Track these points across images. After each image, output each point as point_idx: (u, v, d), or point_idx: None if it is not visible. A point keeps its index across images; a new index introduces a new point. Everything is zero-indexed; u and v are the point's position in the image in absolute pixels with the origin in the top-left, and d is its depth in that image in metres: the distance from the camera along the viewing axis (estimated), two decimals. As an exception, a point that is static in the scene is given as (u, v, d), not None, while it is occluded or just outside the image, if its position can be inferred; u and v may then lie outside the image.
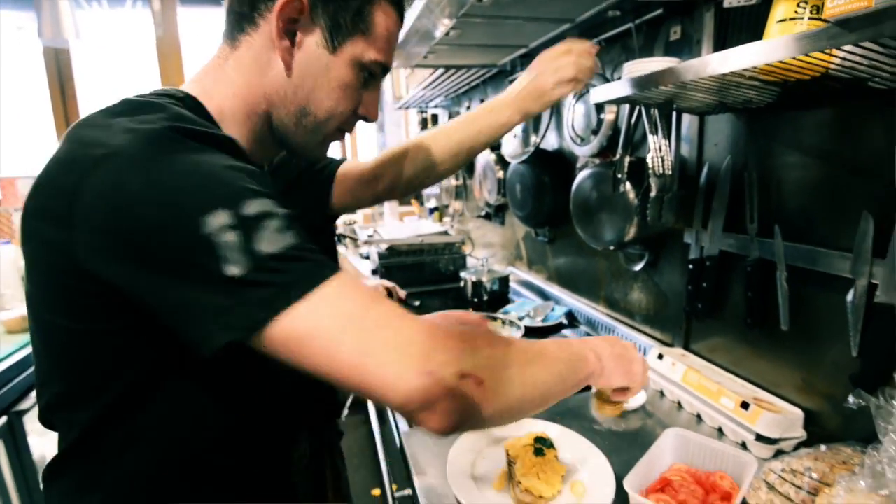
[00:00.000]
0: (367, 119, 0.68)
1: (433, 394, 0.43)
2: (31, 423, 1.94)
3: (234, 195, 0.44)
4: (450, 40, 1.46)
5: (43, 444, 1.89)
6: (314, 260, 0.45)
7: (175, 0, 3.07)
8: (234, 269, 0.41)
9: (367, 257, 2.62)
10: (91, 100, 3.09)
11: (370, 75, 0.64)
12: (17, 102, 3.09)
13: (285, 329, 0.42)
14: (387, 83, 2.95)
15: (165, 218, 0.42)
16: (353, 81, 0.62)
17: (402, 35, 1.49)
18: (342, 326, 0.43)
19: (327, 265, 0.45)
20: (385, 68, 0.65)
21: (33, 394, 1.57)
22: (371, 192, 1.00)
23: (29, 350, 1.57)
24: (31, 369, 1.56)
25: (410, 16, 1.37)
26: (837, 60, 0.57)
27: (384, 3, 0.61)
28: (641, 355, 0.72)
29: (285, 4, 0.55)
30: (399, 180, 0.99)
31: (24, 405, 1.52)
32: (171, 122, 0.47)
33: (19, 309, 1.75)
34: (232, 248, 0.41)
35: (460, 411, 0.45)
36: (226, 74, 0.60)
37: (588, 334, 1.51)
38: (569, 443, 0.89)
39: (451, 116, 2.81)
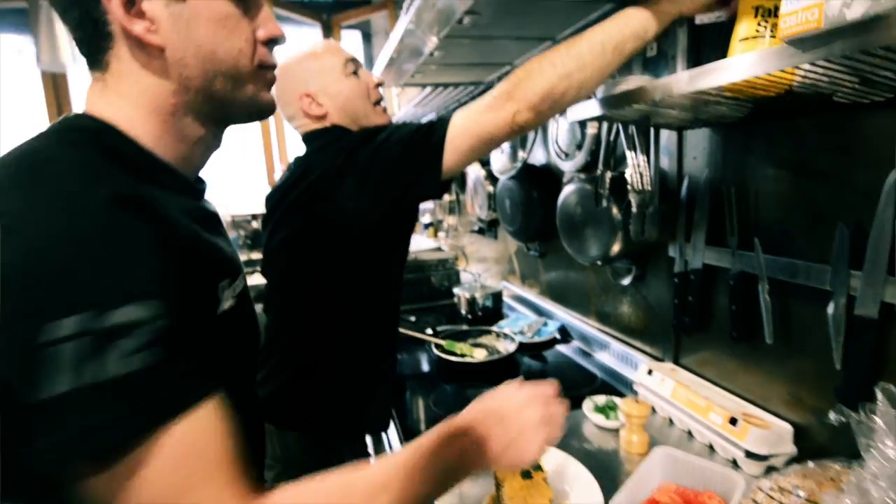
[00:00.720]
0: (277, 41, 0.58)
1: None
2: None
3: (98, 297, 0.38)
4: (436, 60, 1.48)
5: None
6: (145, 395, 0.38)
7: None
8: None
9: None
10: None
11: None
12: (17, 125, 3.13)
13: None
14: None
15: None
16: (227, 9, 0.52)
17: (390, 53, 1.53)
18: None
19: (165, 403, 0.39)
20: None
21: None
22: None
23: None
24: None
25: (396, 35, 1.39)
26: (799, 78, 0.58)
27: None
28: (540, 403, 0.63)
29: None
30: (531, 103, 0.82)
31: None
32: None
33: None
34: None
35: None
36: (122, 96, 0.52)
37: (582, 350, 1.50)
38: (557, 464, 0.88)
39: (443, 132, 2.83)
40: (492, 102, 0.84)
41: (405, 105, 2.57)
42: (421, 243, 2.66)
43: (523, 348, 1.51)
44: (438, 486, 0.56)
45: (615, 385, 1.30)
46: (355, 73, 1.12)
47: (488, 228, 2.28)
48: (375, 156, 0.93)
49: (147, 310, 0.40)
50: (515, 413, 0.61)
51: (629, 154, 1.00)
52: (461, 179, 2.47)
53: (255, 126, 3.24)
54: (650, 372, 1.09)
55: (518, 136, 1.05)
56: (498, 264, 2.28)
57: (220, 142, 0.62)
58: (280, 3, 3.29)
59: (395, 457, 0.55)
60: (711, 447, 0.93)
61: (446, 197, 2.79)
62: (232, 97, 0.55)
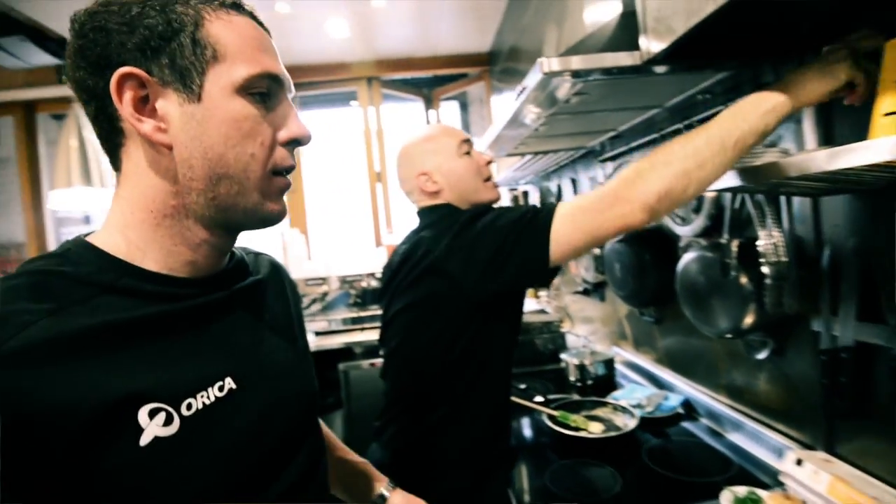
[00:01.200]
0: (300, 141, 0.57)
1: None
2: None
3: None
4: (539, 133, 1.53)
5: None
6: None
7: (380, 98, 3.54)
8: None
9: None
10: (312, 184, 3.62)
11: (261, 95, 0.53)
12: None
13: None
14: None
15: None
16: (242, 111, 0.52)
17: (494, 133, 1.61)
18: None
19: None
20: (272, 77, 0.54)
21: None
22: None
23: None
24: None
25: (501, 119, 1.47)
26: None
27: (218, 16, 0.52)
28: None
29: (120, 84, 0.49)
30: (647, 204, 0.81)
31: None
32: None
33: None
34: None
35: None
36: (122, 199, 0.53)
37: (711, 429, 1.38)
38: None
39: (541, 193, 2.86)
40: (597, 202, 0.86)
41: (504, 170, 2.65)
42: (525, 305, 2.64)
43: (643, 424, 1.42)
44: None
45: (753, 472, 1.17)
46: (468, 153, 1.22)
47: (594, 289, 2.23)
48: (480, 237, 0.98)
49: None
50: None
51: (758, 223, 0.94)
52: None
53: (364, 187, 3.50)
54: (799, 462, 0.97)
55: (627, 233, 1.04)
56: (606, 326, 2.19)
57: (233, 242, 0.59)
58: (386, 84, 3.62)
59: None
60: (886, 559, 0.80)
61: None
62: (234, 203, 0.53)
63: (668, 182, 0.79)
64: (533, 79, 1.01)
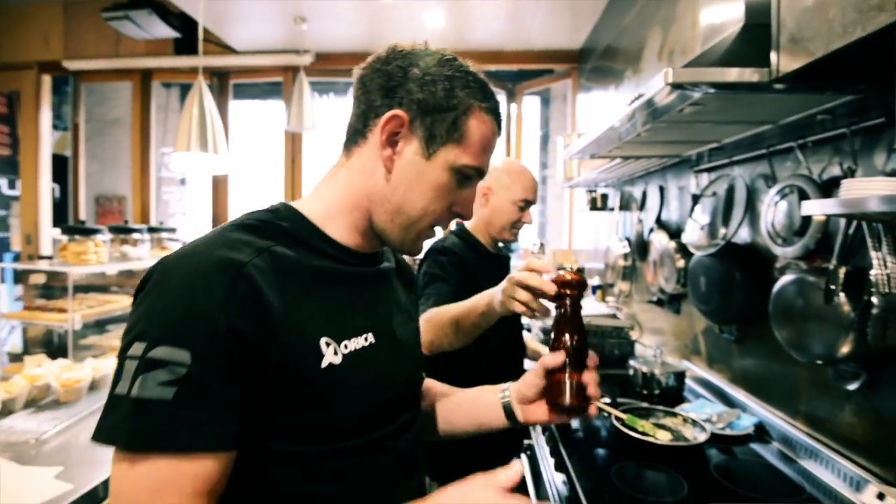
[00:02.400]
0: (461, 216, 0.73)
1: None
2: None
3: (159, 334, 0.51)
4: (637, 140, 1.54)
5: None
6: (148, 420, 0.49)
7: None
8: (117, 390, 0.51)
9: (529, 329, 2.69)
10: (312, 171, 3.80)
11: (464, 177, 0.69)
12: (261, 171, 3.94)
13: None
14: (558, 164, 3.09)
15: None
16: (447, 183, 0.67)
17: (592, 136, 1.63)
18: (115, 493, 0.50)
19: (162, 434, 0.49)
20: (480, 171, 0.70)
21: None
22: None
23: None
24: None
25: (602, 123, 1.49)
26: None
27: (480, 114, 0.67)
28: None
29: (388, 120, 0.64)
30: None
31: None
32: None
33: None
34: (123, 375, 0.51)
35: None
36: (337, 179, 0.70)
37: (783, 454, 1.36)
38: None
39: (622, 197, 2.83)
40: None
41: (586, 171, 2.64)
42: (592, 306, 2.65)
43: (711, 439, 1.42)
44: None
45: (825, 501, 1.15)
46: (522, 209, 1.54)
47: (669, 301, 2.20)
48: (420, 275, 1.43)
49: (173, 356, 0.50)
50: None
51: (874, 253, 0.93)
52: (641, 247, 2.44)
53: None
54: (881, 496, 0.96)
55: None
56: (677, 340, 2.17)
57: (377, 249, 0.76)
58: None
59: None
60: None
61: (621, 262, 2.76)
62: (398, 230, 0.69)
63: (431, 336, 1.15)
64: (654, 87, 1.03)
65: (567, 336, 0.77)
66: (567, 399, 0.75)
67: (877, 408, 1.11)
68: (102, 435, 0.50)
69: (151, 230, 3.17)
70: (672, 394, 1.78)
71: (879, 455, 1.10)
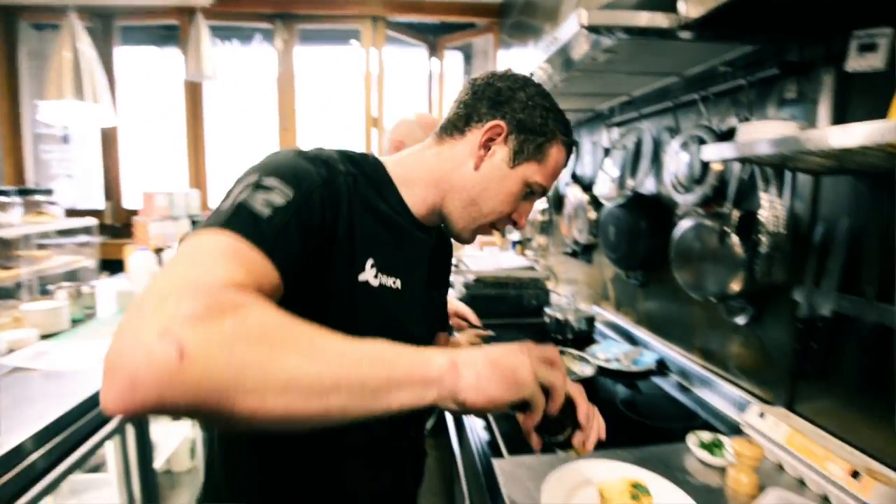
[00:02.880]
0: (516, 225, 0.84)
1: (122, 347, 0.40)
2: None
3: (273, 171, 0.62)
4: (556, 91, 1.54)
5: (156, 430, 2.12)
6: (242, 218, 0.56)
7: (295, 39, 3.42)
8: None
9: (452, 286, 2.71)
10: (215, 124, 3.50)
11: (531, 192, 0.81)
12: (157, 127, 3.57)
13: None
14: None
15: None
16: (518, 192, 0.79)
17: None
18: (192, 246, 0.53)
19: (244, 224, 0.55)
20: (545, 191, 0.82)
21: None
22: None
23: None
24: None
25: (524, 70, 1.47)
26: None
27: (560, 145, 0.79)
28: (550, 353, 0.60)
29: (492, 127, 0.76)
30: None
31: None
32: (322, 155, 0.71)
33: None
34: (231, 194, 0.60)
35: (136, 375, 0.39)
36: (423, 157, 0.82)
37: (681, 385, 1.49)
38: (663, 492, 0.90)
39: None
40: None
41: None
42: (510, 259, 2.72)
43: (617, 376, 1.52)
44: (371, 370, 0.47)
45: (716, 423, 1.28)
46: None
47: (582, 252, 2.30)
48: None
49: (281, 188, 0.60)
50: (507, 355, 0.54)
51: (763, 195, 1.00)
52: (557, 201, 2.51)
53: (360, 132, 3.47)
54: (762, 415, 1.08)
55: None
56: (590, 288, 2.28)
57: (437, 224, 0.87)
58: (391, 25, 3.51)
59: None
60: (826, 499, 0.91)
61: (538, 216, 2.84)
62: (457, 217, 0.81)
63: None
64: (568, 31, 1.02)
65: (555, 426, 0.67)
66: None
67: (760, 338, 1.23)
68: (203, 224, 0.56)
69: (23, 192, 2.78)
70: (584, 337, 1.89)
71: (761, 379, 1.23)
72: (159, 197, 2.78)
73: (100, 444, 1.39)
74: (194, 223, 2.92)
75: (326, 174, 0.67)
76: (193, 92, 3.43)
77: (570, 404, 0.67)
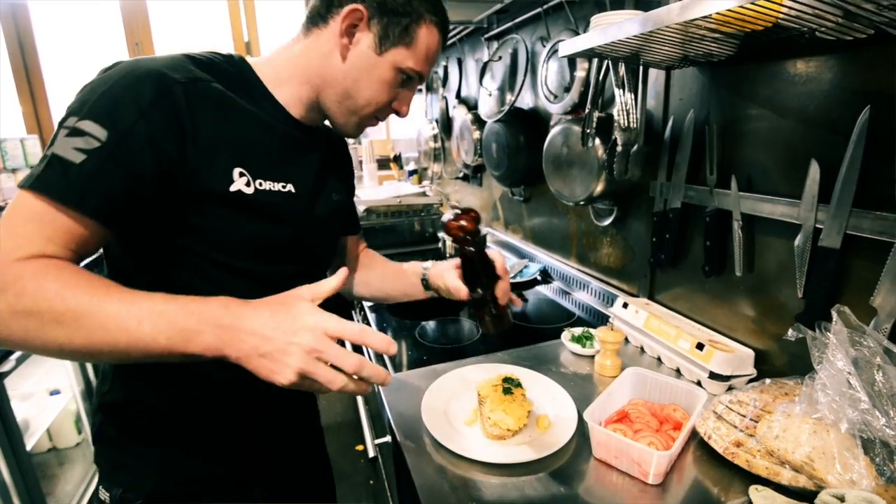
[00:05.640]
0: (398, 114, 0.81)
1: None
2: (17, 387, 1.95)
3: (89, 112, 0.58)
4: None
5: (27, 407, 1.91)
6: (53, 171, 0.56)
7: None
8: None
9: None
10: (54, 57, 2.98)
11: (407, 78, 0.77)
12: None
13: None
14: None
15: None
16: (391, 80, 0.75)
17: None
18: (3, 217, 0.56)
19: (53, 179, 0.56)
20: (421, 76, 0.78)
21: (14, 356, 1.57)
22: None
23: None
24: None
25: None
26: (785, 9, 0.60)
27: (429, 25, 0.75)
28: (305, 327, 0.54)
29: (350, 12, 0.71)
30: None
31: (5, 367, 1.53)
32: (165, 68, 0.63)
33: None
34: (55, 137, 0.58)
35: None
36: (292, 52, 0.77)
37: (562, 290, 1.56)
38: (536, 384, 0.95)
39: (428, 78, 2.78)
40: None
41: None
42: (406, 188, 2.66)
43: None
44: (136, 337, 0.52)
45: (592, 321, 1.37)
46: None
47: (473, 175, 2.30)
48: None
49: (93, 131, 0.57)
50: (286, 334, 0.54)
51: (617, 93, 1.01)
52: (447, 126, 2.46)
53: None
54: (625, 305, 1.15)
55: None
56: (482, 211, 2.30)
57: (319, 123, 0.83)
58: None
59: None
60: (678, 371, 1.00)
61: (431, 144, 2.78)
62: (342, 112, 0.78)
63: None
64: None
65: (479, 278, 0.87)
66: (493, 328, 0.88)
67: (624, 236, 1.30)
68: (23, 181, 0.57)
69: None
70: (475, 258, 1.91)
71: (626, 275, 1.32)
72: (-15, 142, 2.35)
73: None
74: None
75: (153, 96, 0.60)
76: (15, 17, 2.86)
77: (489, 263, 0.87)
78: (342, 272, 0.63)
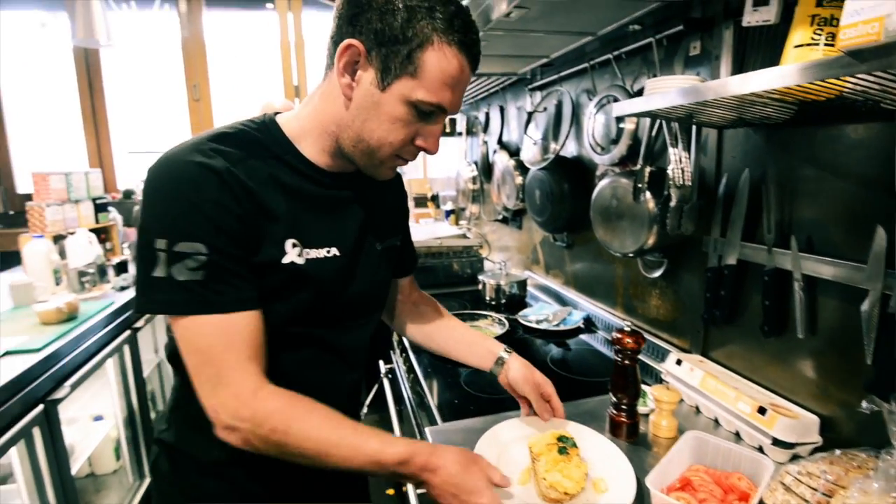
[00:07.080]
0: (426, 151, 0.73)
1: (224, 425, 0.66)
2: (65, 412, 2.02)
3: (176, 233, 0.63)
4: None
5: (73, 432, 1.97)
6: (196, 295, 0.64)
7: (201, 2, 3.16)
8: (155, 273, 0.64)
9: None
10: (118, 97, 3.20)
11: (424, 112, 0.68)
12: (45, 100, 3.21)
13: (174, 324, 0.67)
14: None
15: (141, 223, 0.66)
16: (403, 116, 0.68)
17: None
18: (187, 350, 0.67)
19: (205, 302, 0.64)
20: (441, 108, 0.68)
21: (68, 382, 1.63)
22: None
23: (63, 342, 1.63)
24: (66, 359, 1.62)
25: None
26: (850, 85, 0.61)
27: (441, 47, 0.64)
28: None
29: (344, 49, 0.66)
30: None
31: (58, 394, 1.58)
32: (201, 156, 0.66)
33: (54, 301, 1.81)
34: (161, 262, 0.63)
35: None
36: (313, 101, 0.75)
37: (607, 340, 1.54)
38: (591, 442, 0.93)
39: (468, 121, 2.85)
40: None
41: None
42: (444, 229, 2.70)
43: (548, 336, 1.56)
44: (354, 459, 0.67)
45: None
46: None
47: (513, 218, 2.32)
48: None
49: (194, 247, 0.63)
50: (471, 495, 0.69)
51: (671, 150, 1.03)
52: (487, 169, 2.51)
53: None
54: (679, 362, 1.13)
55: None
56: (521, 253, 2.32)
57: (350, 169, 0.79)
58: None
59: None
60: (738, 435, 0.97)
61: (470, 185, 2.83)
62: (358, 159, 0.74)
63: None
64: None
65: (628, 389, 0.98)
66: (626, 436, 0.99)
67: (675, 290, 1.29)
68: (156, 306, 0.65)
69: None
70: (516, 301, 1.92)
71: (678, 329, 1.30)
72: (54, 178, 2.50)
73: (2, 452, 1.26)
74: (99, 207, 2.66)
75: (214, 188, 0.65)
76: (87, 61, 3.10)
77: (639, 380, 0.98)
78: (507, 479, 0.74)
